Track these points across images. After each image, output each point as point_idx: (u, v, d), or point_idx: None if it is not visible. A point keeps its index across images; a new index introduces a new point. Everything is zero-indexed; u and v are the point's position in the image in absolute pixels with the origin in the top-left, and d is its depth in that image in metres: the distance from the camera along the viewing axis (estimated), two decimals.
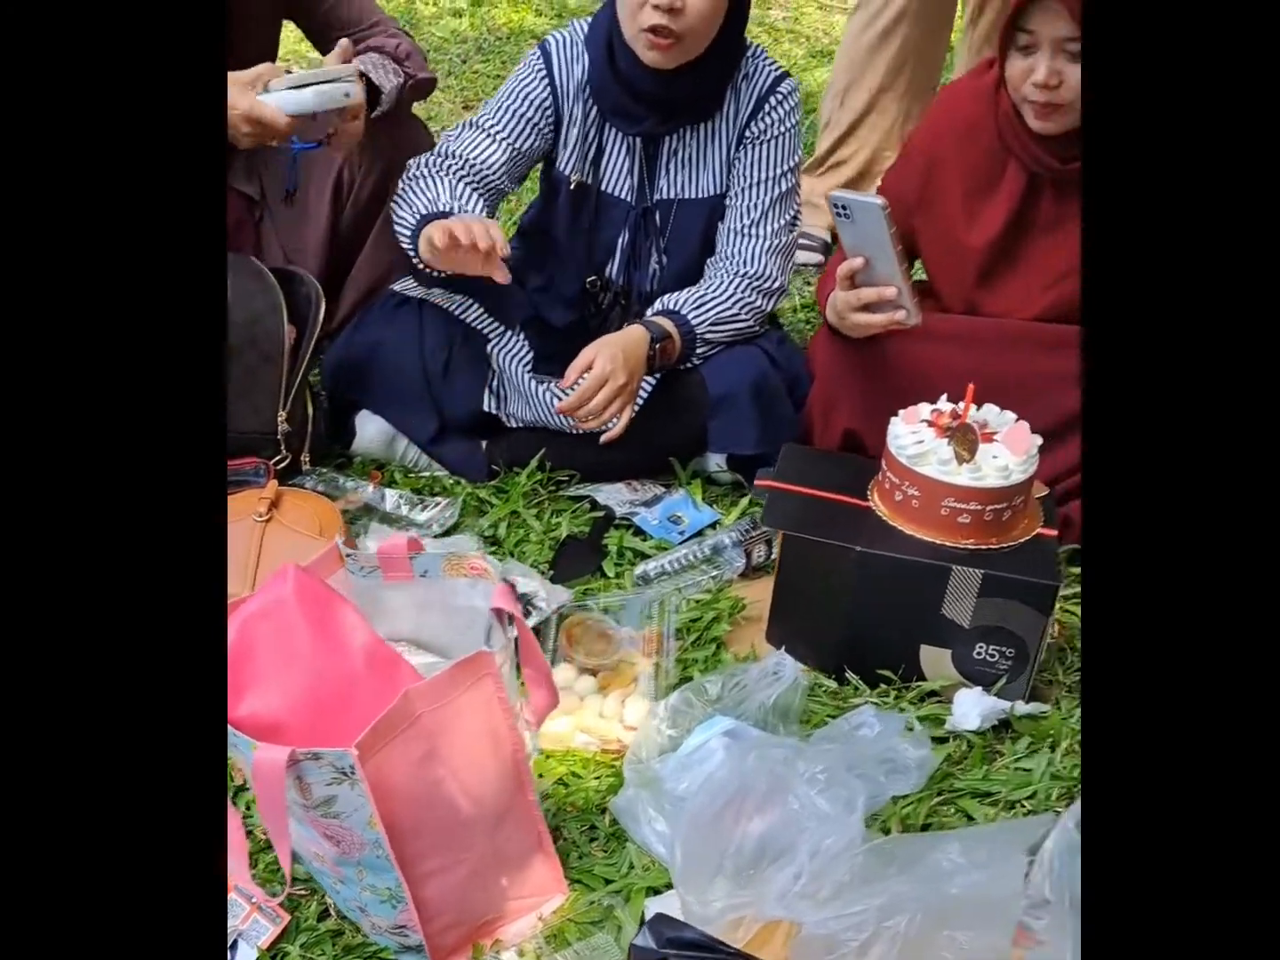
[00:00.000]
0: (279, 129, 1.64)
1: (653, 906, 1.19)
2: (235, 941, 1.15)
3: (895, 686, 1.50)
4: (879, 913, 1.00)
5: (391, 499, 1.78)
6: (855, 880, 1.06)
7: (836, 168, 2.57)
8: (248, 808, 1.24)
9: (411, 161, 1.82)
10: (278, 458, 1.68)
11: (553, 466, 1.87)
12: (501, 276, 1.61)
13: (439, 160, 1.81)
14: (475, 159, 1.80)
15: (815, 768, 1.15)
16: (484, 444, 1.90)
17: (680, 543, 1.76)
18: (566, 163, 1.86)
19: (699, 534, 1.79)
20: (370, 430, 1.89)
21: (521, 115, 1.82)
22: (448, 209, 1.69)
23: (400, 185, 1.80)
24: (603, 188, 1.86)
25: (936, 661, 1.50)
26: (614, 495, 1.85)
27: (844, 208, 1.56)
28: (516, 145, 1.82)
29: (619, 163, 1.84)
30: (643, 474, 1.89)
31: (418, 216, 1.71)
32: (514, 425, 1.89)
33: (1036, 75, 1.53)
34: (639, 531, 1.79)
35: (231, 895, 1.17)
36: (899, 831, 1.29)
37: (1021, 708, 1.46)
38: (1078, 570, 1.71)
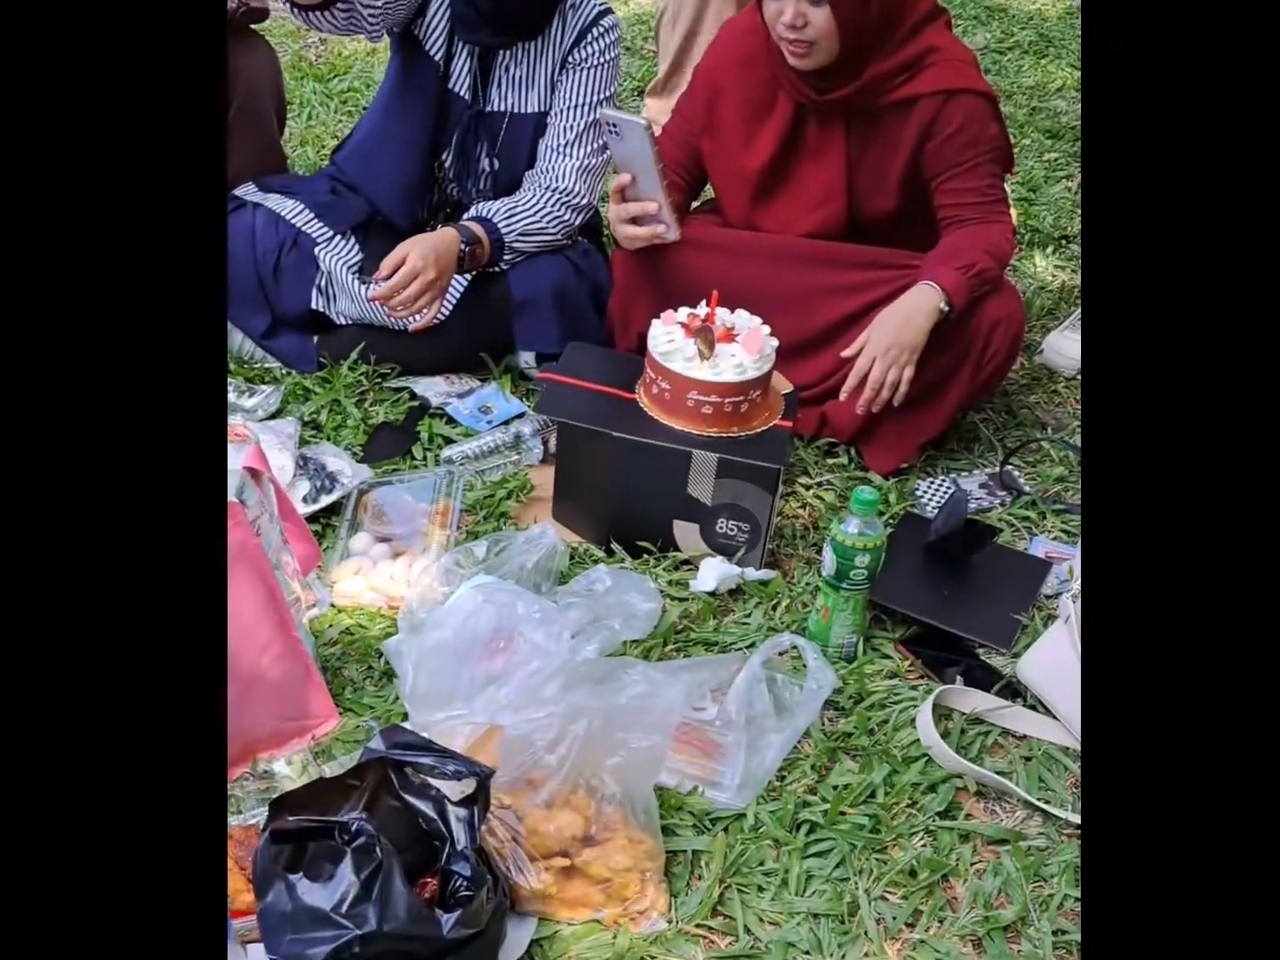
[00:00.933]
0: None
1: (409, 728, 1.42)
2: None
3: (654, 555, 1.73)
4: (563, 718, 1.24)
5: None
6: (554, 696, 1.29)
7: (673, 91, 2.74)
8: None
9: None
10: None
11: (377, 360, 2.05)
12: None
13: None
14: None
15: (533, 607, 1.38)
16: (315, 339, 2.08)
17: (488, 430, 1.97)
18: (428, 39, 1.99)
19: (506, 424, 1.99)
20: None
21: None
22: None
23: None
24: (450, 84, 2.02)
25: (687, 534, 1.73)
26: (432, 387, 2.05)
27: (614, 125, 1.75)
28: None
29: (463, 64, 2.00)
30: (460, 369, 2.09)
31: None
32: (342, 322, 2.07)
33: (784, 17, 1.72)
34: (451, 420, 1.99)
35: None
36: None
37: (753, 574, 1.70)
38: (831, 460, 1.95)
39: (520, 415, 2.02)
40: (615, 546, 1.74)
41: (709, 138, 1.97)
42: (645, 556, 1.74)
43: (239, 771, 1.37)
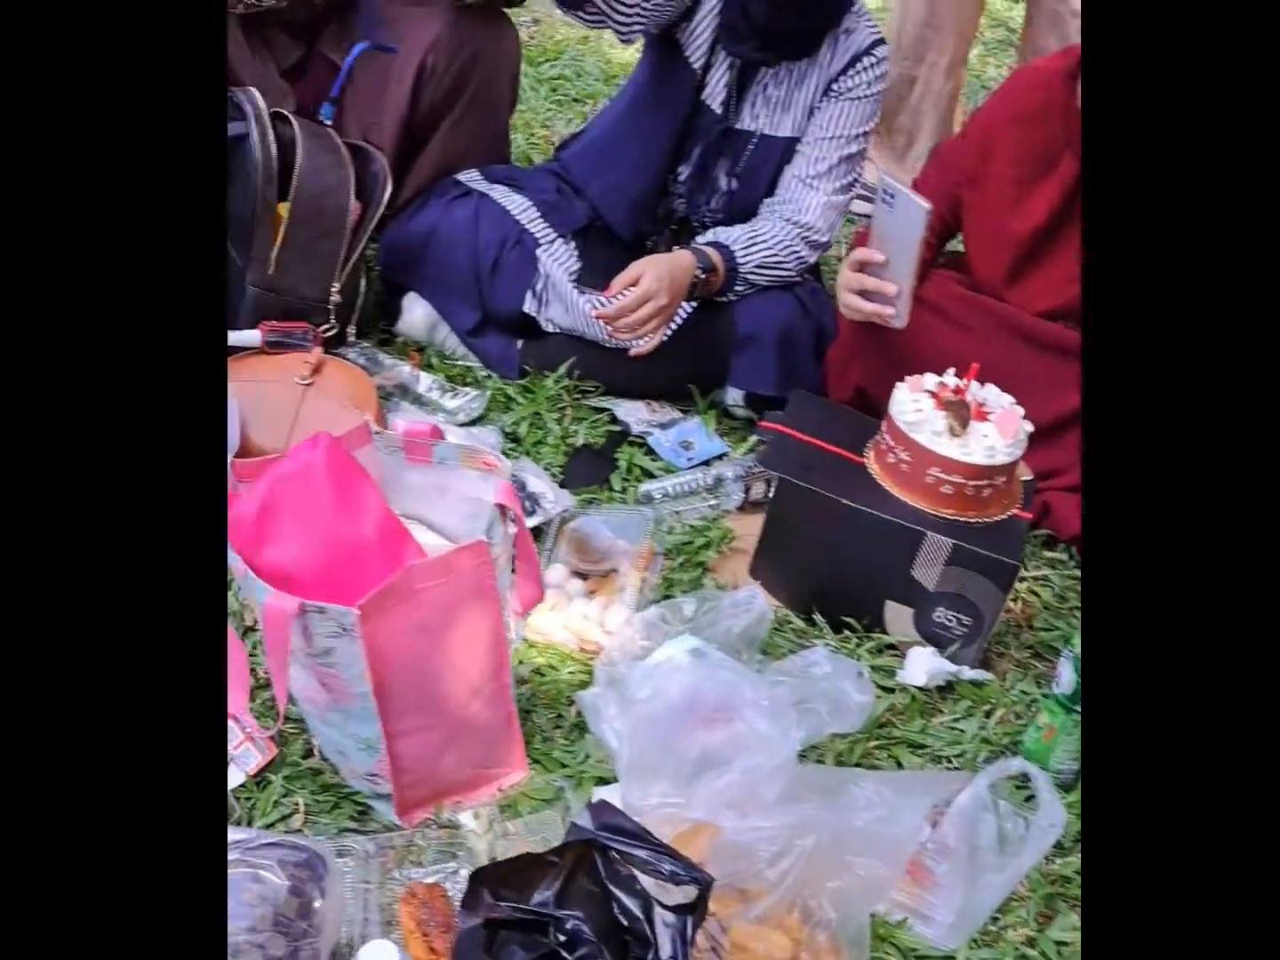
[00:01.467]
0: None
1: (600, 794, 1.32)
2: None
3: (858, 634, 1.61)
4: (791, 830, 1.13)
5: (425, 382, 1.89)
6: (778, 800, 1.18)
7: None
8: (254, 647, 1.37)
9: None
10: (325, 326, 1.78)
11: (580, 375, 1.96)
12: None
13: None
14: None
15: (760, 694, 1.27)
16: (519, 344, 1.99)
17: (686, 469, 1.86)
18: (690, 45, 1.87)
19: (706, 463, 1.89)
20: (416, 313, 1.98)
21: None
22: None
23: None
24: (701, 95, 1.90)
25: (899, 618, 1.60)
26: (633, 413, 1.95)
27: (890, 195, 1.62)
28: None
29: (720, 76, 1.88)
30: (664, 397, 1.98)
31: None
32: (551, 330, 1.98)
33: None
34: (650, 451, 1.89)
35: (230, 723, 1.31)
36: (833, 765, 1.41)
37: (968, 673, 1.57)
38: (1049, 555, 1.81)
39: (721, 456, 1.91)
40: (818, 618, 1.63)
41: (975, 190, 1.84)
42: (847, 633, 1.62)
43: (421, 816, 1.28)
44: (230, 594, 1.46)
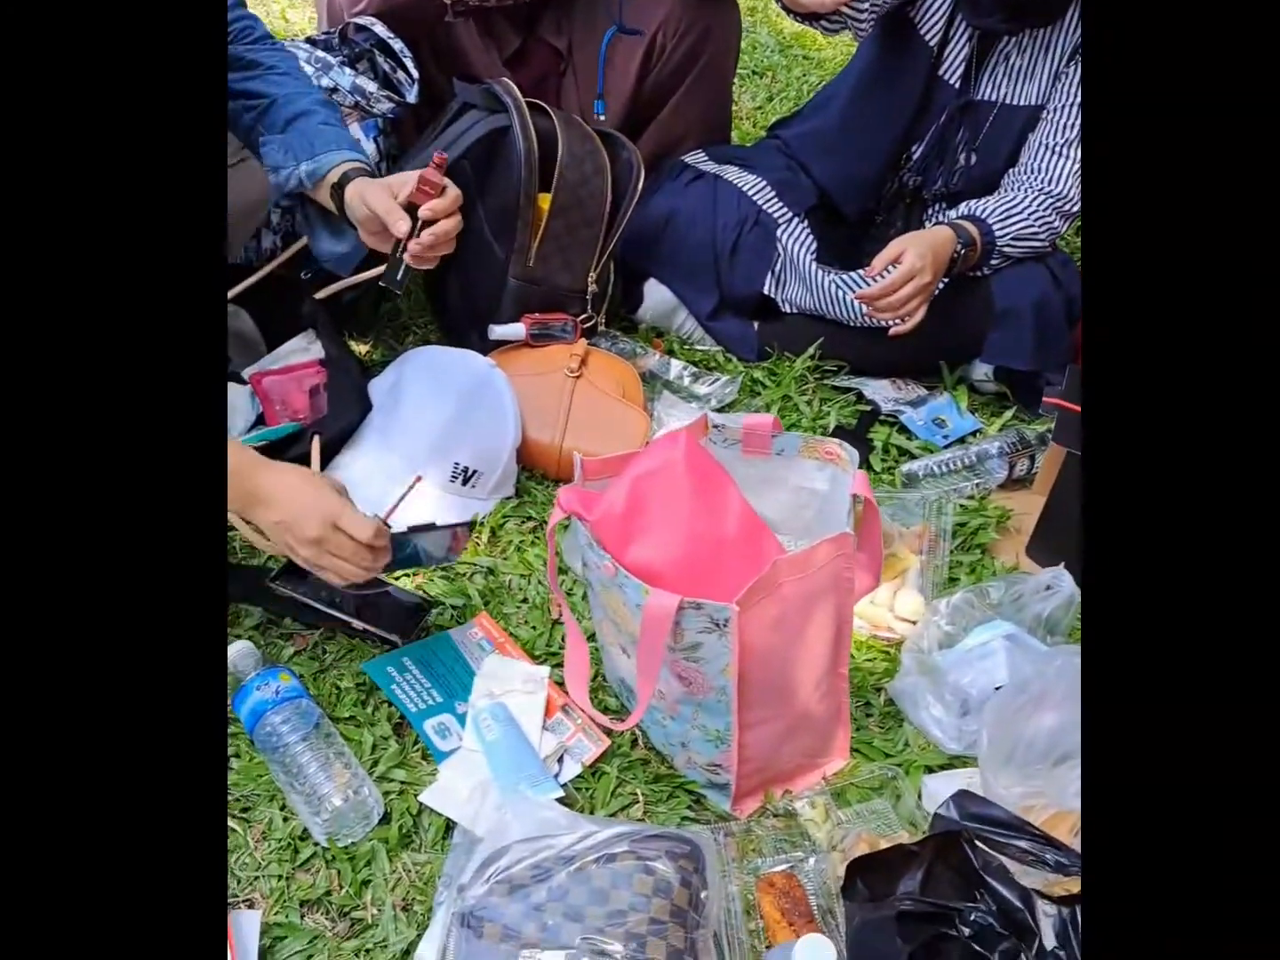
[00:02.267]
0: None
1: (930, 783, 1.30)
2: (562, 756, 1.29)
3: None
4: None
5: (675, 368, 1.87)
6: None
7: None
8: (590, 637, 1.38)
9: None
10: (584, 316, 1.78)
11: (823, 355, 1.93)
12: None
13: None
14: None
15: None
16: (755, 325, 1.97)
17: (944, 446, 1.82)
18: (924, 23, 1.82)
19: (961, 440, 1.85)
20: (656, 298, 1.97)
21: None
22: None
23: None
24: (940, 70, 1.85)
25: None
26: (880, 391, 1.92)
27: None
28: None
29: (959, 50, 1.83)
30: (910, 373, 1.95)
31: None
32: (788, 310, 1.95)
33: None
34: (904, 429, 1.85)
35: (556, 715, 1.32)
36: None
37: None
38: None
39: (975, 432, 1.86)
40: None
41: None
42: None
43: (753, 805, 1.28)
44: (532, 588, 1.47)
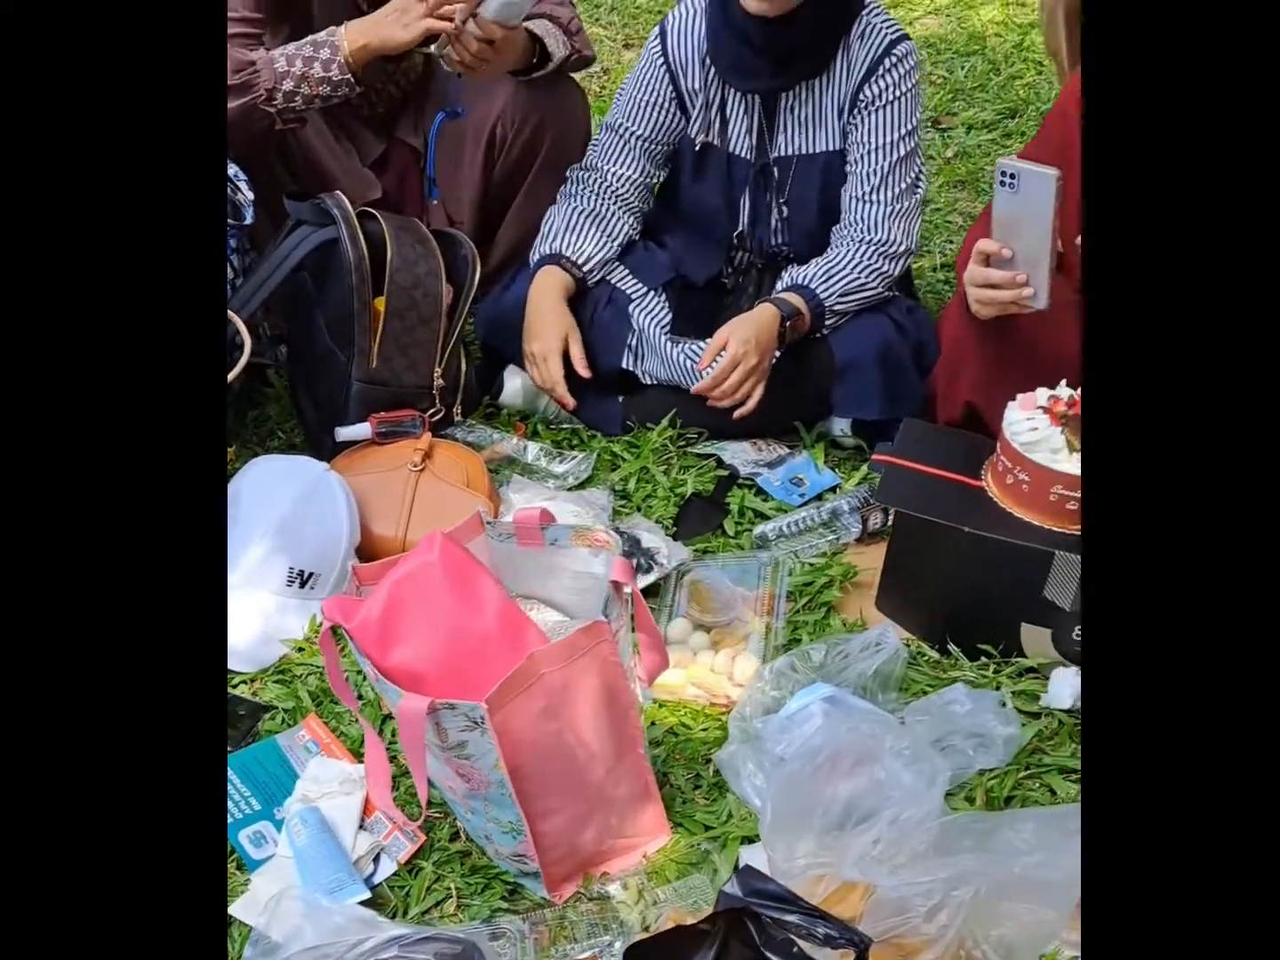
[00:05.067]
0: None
1: (746, 855, 1.31)
2: (378, 855, 1.32)
3: (995, 660, 1.57)
4: (946, 883, 1.10)
5: (533, 451, 1.91)
6: (929, 851, 1.16)
7: None
8: (393, 736, 1.40)
9: (569, 173, 2.01)
10: (432, 410, 1.82)
11: (683, 424, 1.97)
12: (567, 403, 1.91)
13: (586, 175, 1.99)
14: (613, 170, 1.98)
15: (903, 743, 1.24)
16: (620, 400, 2.01)
17: (799, 505, 1.85)
18: (693, 126, 1.95)
19: (818, 497, 1.87)
20: (516, 384, 2.02)
21: (645, 103, 1.95)
22: (555, 250, 1.95)
23: (558, 194, 2.01)
24: (729, 148, 1.93)
25: (1036, 640, 1.56)
26: (739, 454, 1.94)
27: (1011, 176, 1.55)
28: (647, 135, 1.96)
29: (740, 122, 1.92)
30: (768, 434, 1.97)
31: (539, 254, 1.96)
32: (649, 383, 1.99)
33: None
34: (760, 491, 1.88)
35: (376, 814, 1.34)
36: (983, 803, 1.38)
37: None
38: None
39: (834, 488, 1.89)
40: (952, 647, 1.59)
41: (1068, 181, 1.78)
42: (984, 660, 1.58)
43: (571, 890, 1.29)
44: (366, 685, 1.50)
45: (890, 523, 1.78)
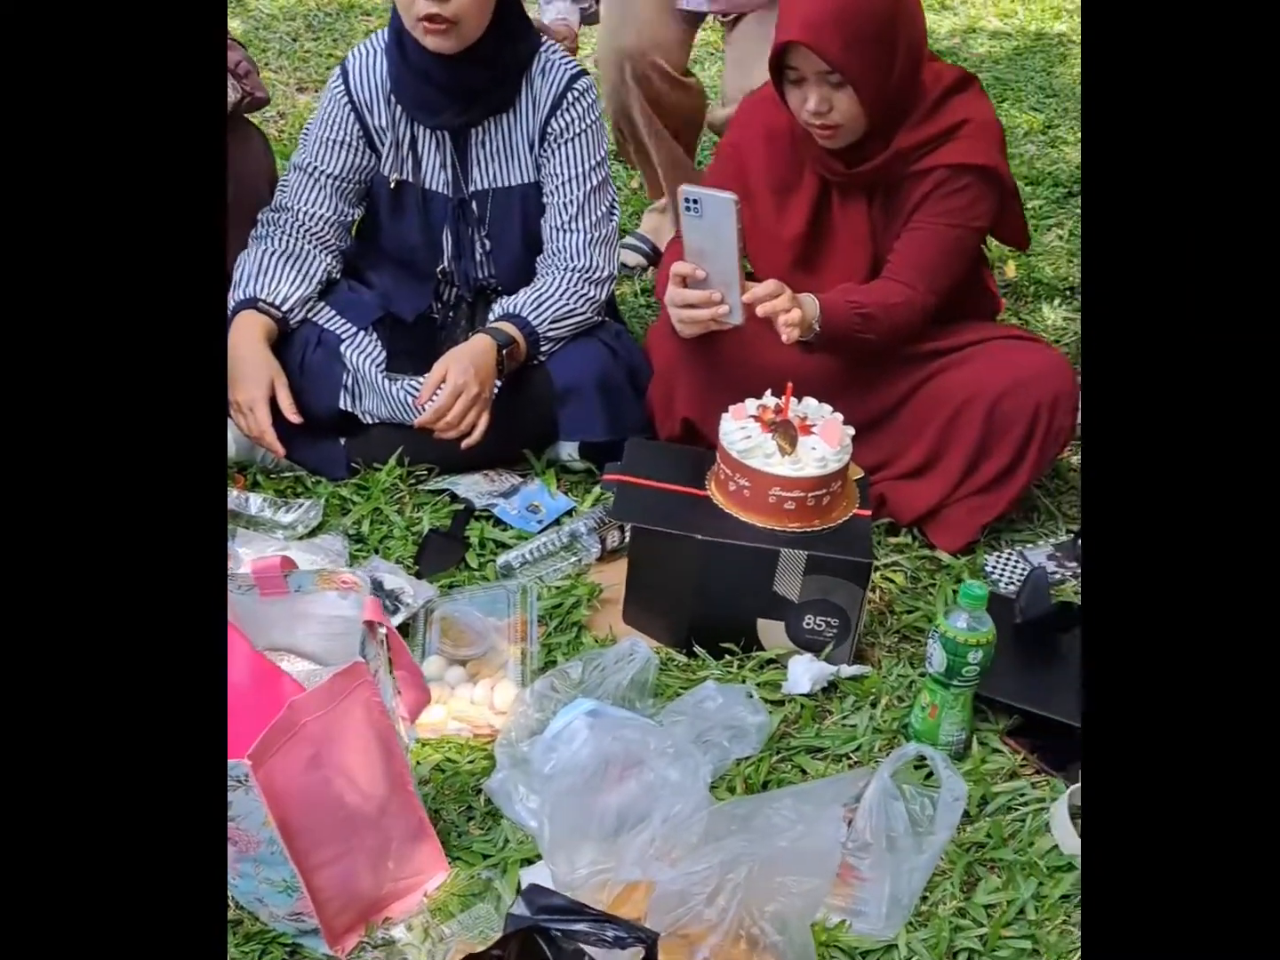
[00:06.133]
0: None
1: (527, 876, 1.32)
2: None
3: (738, 657, 1.66)
4: (721, 867, 1.15)
5: (255, 503, 1.85)
6: (702, 840, 1.21)
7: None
8: None
9: (260, 216, 1.98)
10: None
11: (411, 461, 1.96)
12: (277, 450, 1.86)
13: (277, 216, 1.97)
14: (305, 209, 1.96)
15: (665, 743, 1.29)
16: (343, 441, 1.97)
17: (539, 531, 1.88)
18: (385, 164, 1.97)
19: (556, 522, 1.91)
20: (227, 435, 1.94)
21: (332, 141, 1.95)
22: (248, 294, 1.91)
23: (250, 237, 1.97)
24: (424, 185, 1.96)
25: (772, 632, 1.66)
26: (473, 487, 1.95)
27: (695, 202, 1.67)
28: (338, 173, 1.96)
29: (433, 158, 1.95)
30: (499, 464, 2.00)
31: (234, 300, 1.91)
32: (371, 422, 1.97)
33: (809, 105, 1.70)
34: (499, 522, 1.90)
35: None
36: (743, 790, 1.45)
37: (846, 670, 1.63)
38: (894, 540, 1.90)
39: (570, 512, 1.93)
40: (698, 650, 1.66)
41: (744, 205, 1.92)
42: (728, 658, 1.66)
43: (354, 941, 1.26)
44: None
45: (627, 539, 1.85)
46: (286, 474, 1.96)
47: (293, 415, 1.84)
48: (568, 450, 2.01)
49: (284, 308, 1.91)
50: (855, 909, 1.31)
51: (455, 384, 1.77)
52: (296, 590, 1.23)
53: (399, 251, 2.03)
